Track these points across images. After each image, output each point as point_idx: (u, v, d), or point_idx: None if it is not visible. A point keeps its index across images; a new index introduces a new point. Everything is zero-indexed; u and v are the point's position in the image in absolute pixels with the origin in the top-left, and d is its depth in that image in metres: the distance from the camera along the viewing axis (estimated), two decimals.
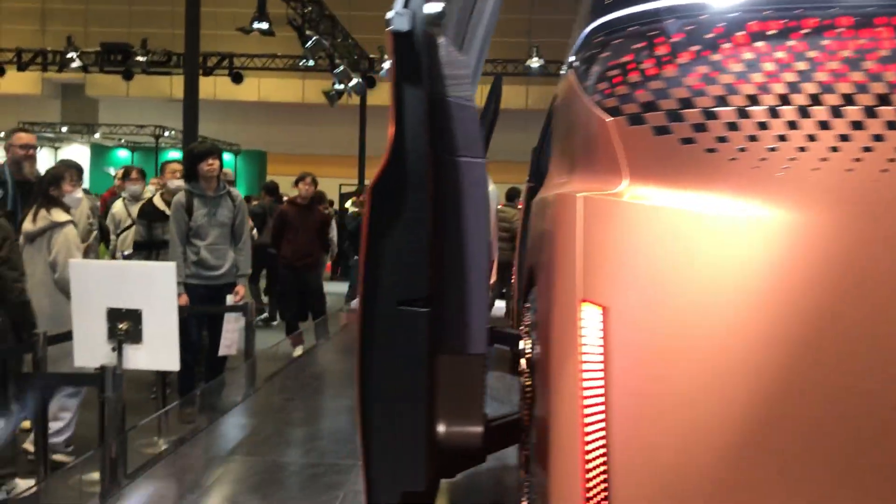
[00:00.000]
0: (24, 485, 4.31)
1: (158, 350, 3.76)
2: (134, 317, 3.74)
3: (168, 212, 6.09)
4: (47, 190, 4.43)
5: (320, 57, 14.73)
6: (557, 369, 1.80)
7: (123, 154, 23.27)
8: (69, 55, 16.26)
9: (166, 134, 22.19)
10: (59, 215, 4.40)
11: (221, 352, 5.38)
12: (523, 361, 2.53)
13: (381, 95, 20.63)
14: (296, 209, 8.32)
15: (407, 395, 1.89)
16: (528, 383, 2.29)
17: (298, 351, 8.29)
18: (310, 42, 12.56)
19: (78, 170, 4.97)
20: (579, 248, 1.78)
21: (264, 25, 12.04)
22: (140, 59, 16.19)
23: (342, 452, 3.55)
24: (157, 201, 6.26)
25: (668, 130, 1.75)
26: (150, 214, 6.19)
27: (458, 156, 1.80)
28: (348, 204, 18.79)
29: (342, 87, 16.05)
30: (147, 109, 23.94)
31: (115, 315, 3.75)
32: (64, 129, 21.82)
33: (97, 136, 22.53)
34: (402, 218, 1.77)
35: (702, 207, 1.69)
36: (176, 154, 23.16)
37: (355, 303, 9.75)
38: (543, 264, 2.11)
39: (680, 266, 1.67)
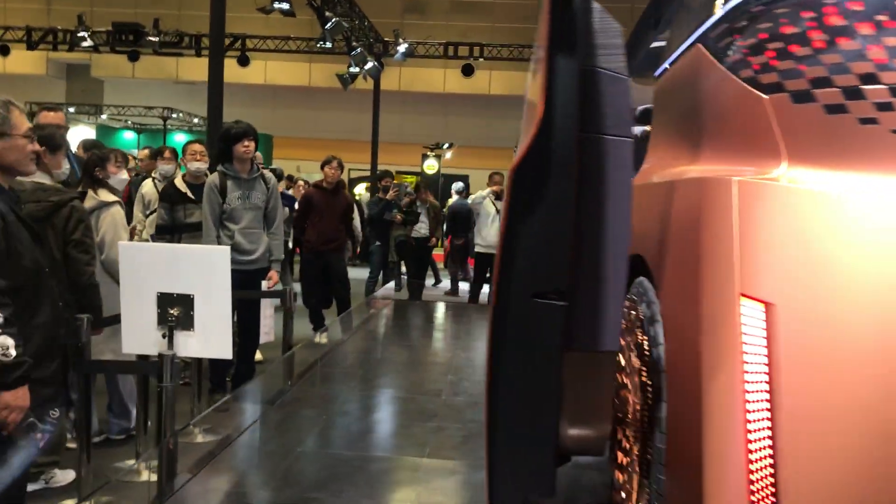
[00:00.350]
0: (62, 475, 4.17)
1: (210, 337, 3.60)
2: (185, 302, 3.59)
3: (190, 194, 5.93)
4: (92, 171, 4.29)
5: (337, 39, 14.51)
6: (708, 369, 1.65)
7: (129, 136, 23.04)
8: (80, 34, 15.99)
9: (174, 116, 21.97)
10: (105, 195, 4.27)
11: (262, 339, 5.24)
12: (623, 357, 2.38)
13: (390, 80, 20.44)
14: (321, 193, 8.16)
15: (539, 395, 1.74)
16: (645, 381, 2.14)
17: (323, 339, 8.15)
18: (329, 23, 12.33)
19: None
20: (735, 238, 1.63)
21: (285, 6, 11.82)
22: (152, 39, 15.92)
23: (407, 447, 3.41)
24: (179, 183, 6.06)
25: (845, 109, 1.60)
26: (171, 197, 5.98)
27: (605, 134, 1.65)
28: (361, 189, 18.65)
29: (357, 69, 15.81)
30: (153, 91, 23.72)
31: (165, 300, 3.60)
32: (71, 109, 21.58)
33: (104, 117, 22.30)
34: (544, 203, 1.62)
35: (887, 194, 1.54)
36: (183, 137, 22.97)
37: (387, 288, 9.67)
38: (672, 254, 1.96)
39: (860, 259, 1.52)
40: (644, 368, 2.16)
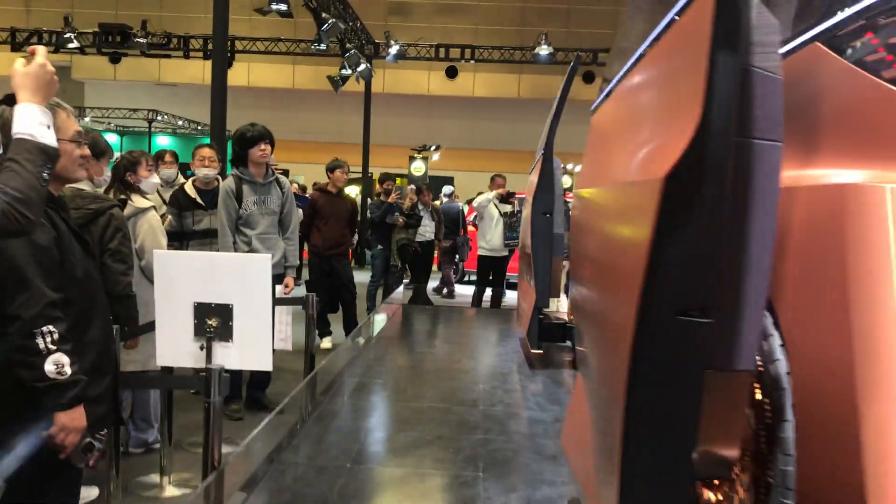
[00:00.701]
0: (84, 491, 4.01)
1: (250, 348, 3.46)
2: (224, 312, 3.45)
3: (200, 200, 5.77)
4: (123, 176, 4.14)
5: (333, 41, 14.36)
6: (863, 390, 1.54)
7: (112, 138, 22.69)
8: (66, 35, 15.69)
9: (159, 118, 21.67)
10: (140, 201, 4.13)
11: (277, 346, 5.09)
12: None
13: (374, 82, 20.29)
14: (326, 197, 8.03)
15: (680, 417, 1.63)
16: (759, 399, 2.03)
17: (327, 343, 8.03)
18: (326, 25, 12.17)
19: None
20: (893, 250, 1.52)
21: (283, 7, 11.67)
22: (140, 40, 15.65)
23: (459, 462, 3.28)
24: (189, 189, 5.89)
25: None
26: (180, 202, 5.82)
27: (755, 138, 1.54)
28: (355, 192, 18.43)
29: (349, 71, 15.65)
30: (133, 93, 23.42)
31: (202, 310, 3.45)
32: None
33: (87, 119, 21.95)
34: (698, 214, 1.51)
35: None
36: (167, 140, 22.68)
37: (398, 292, 9.51)
38: (795, 264, 1.85)
39: None
40: (756, 385, 2.05)
